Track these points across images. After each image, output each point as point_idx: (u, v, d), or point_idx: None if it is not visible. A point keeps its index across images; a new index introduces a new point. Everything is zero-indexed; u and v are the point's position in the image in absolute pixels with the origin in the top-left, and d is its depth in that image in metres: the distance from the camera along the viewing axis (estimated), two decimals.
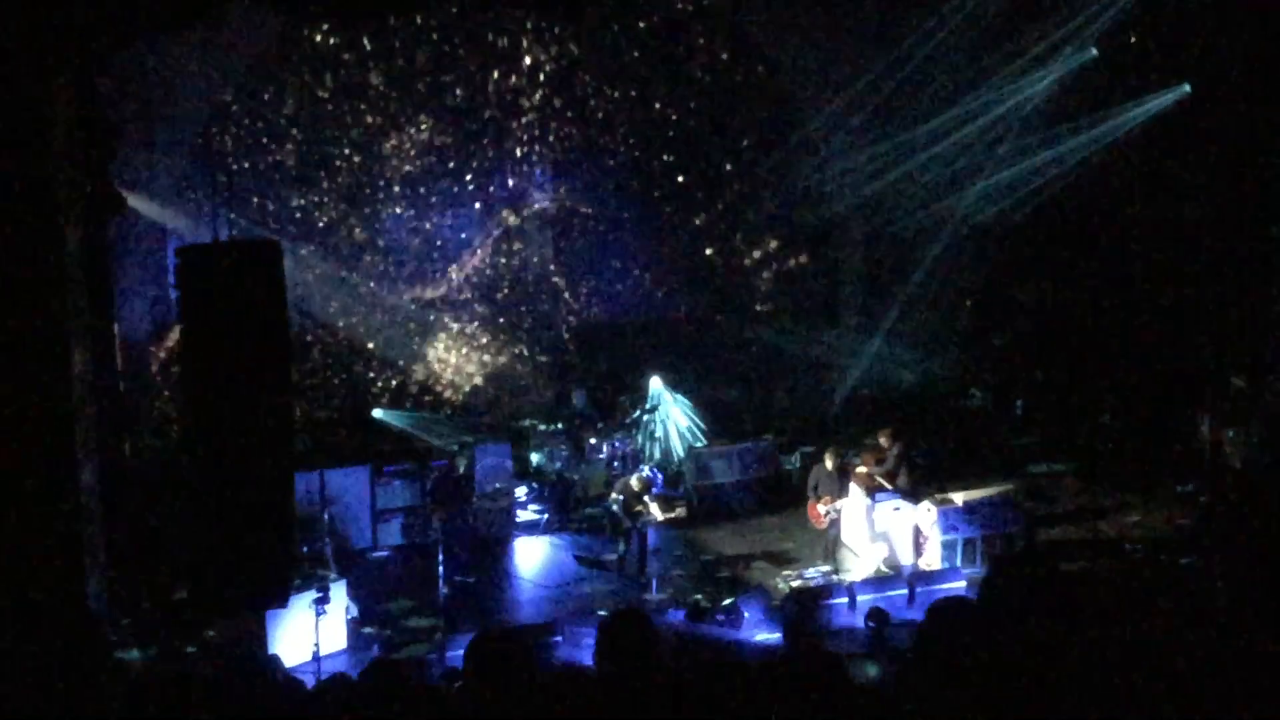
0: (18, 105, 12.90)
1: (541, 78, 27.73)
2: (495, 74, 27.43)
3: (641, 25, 27.73)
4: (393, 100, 26.97)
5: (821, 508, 21.53)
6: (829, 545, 21.68)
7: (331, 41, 26.00)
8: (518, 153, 28.34)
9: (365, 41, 26.22)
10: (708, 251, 29.98)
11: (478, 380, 28.58)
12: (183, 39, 21.71)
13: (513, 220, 28.70)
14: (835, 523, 21.63)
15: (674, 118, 28.72)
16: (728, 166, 29.25)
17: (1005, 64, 26.30)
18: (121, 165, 17.38)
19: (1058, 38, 25.65)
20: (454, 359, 28.41)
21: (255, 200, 26.13)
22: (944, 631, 5.97)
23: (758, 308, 30.08)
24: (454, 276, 28.18)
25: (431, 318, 28.14)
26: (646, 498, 21.11)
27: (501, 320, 28.73)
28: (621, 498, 21.26)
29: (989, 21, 25.74)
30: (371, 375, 27.61)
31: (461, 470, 23.92)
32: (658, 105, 28.62)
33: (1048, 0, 25.26)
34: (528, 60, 27.49)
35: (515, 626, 18.76)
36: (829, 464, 21.87)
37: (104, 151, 14.79)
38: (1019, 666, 5.71)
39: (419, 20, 25.87)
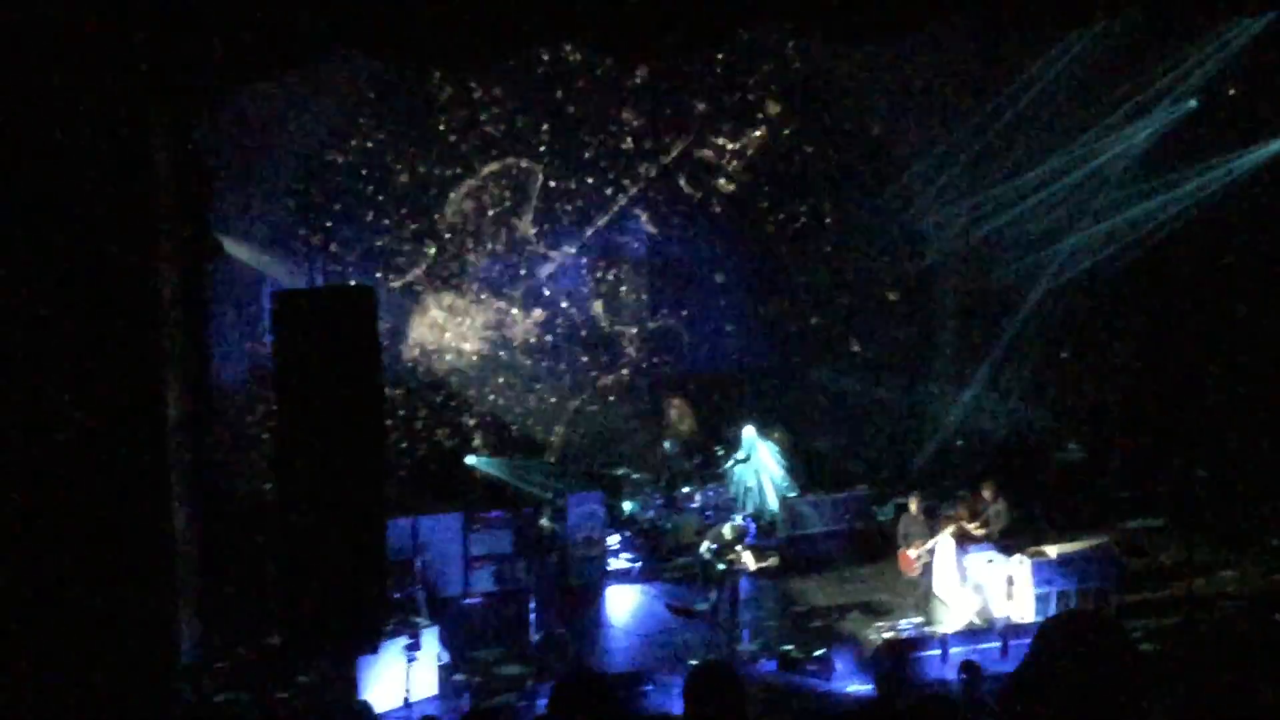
0: (118, 151, 13.03)
1: (636, 124, 27.74)
2: (596, 122, 27.45)
3: (737, 75, 27.64)
4: (489, 144, 27.00)
5: (912, 553, 21.38)
6: (922, 594, 21.50)
7: (429, 87, 26.07)
8: (616, 201, 28.34)
9: (465, 86, 26.30)
10: (803, 301, 29.84)
11: (572, 428, 28.56)
12: (280, 85, 21.86)
13: (609, 268, 28.71)
14: (928, 569, 21.42)
15: (771, 167, 28.64)
16: (824, 217, 29.12)
17: (1103, 116, 26.13)
18: (219, 210, 17.51)
19: (1157, 89, 25.47)
20: (549, 407, 28.40)
21: (351, 246, 26.23)
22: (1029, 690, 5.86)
23: (853, 356, 29.87)
24: (551, 323, 28.19)
25: (527, 364, 28.14)
26: (739, 546, 20.96)
27: (597, 368, 28.69)
28: (715, 545, 21.14)
29: (1086, 73, 25.60)
30: (466, 422, 27.60)
31: (545, 521, 23.86)
32: (754, 154, 28.54)
33: (1147, 52, 25.04)
34: (628, 111, 27.54)
35: (605, 674, 18.70)
36: (913, 508, 21.76)
37: (201, 196, 14.93)
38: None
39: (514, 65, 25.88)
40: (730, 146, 28.28)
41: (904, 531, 21.77)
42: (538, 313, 28.10)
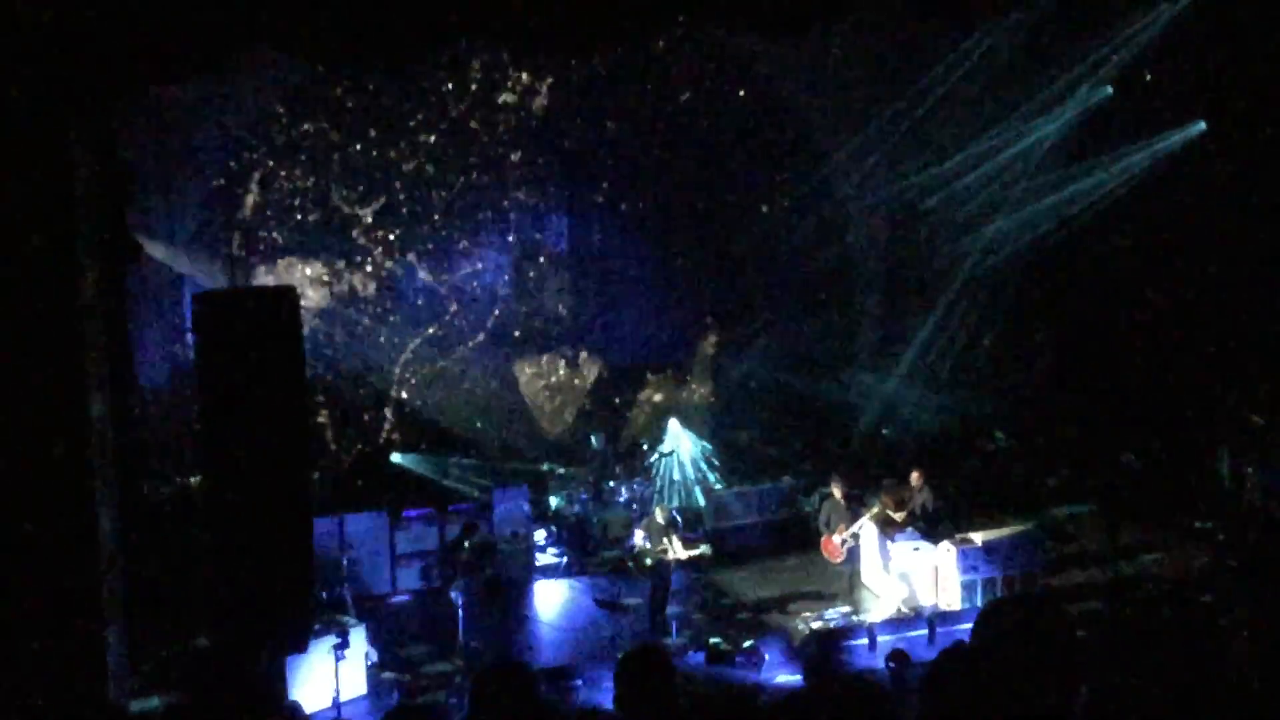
0: (36, 152, 12.96)
1: (554, 118, 27.75)
2: (507, 118, 27.42)
3: (653, 66, 27.64)
4: (407, 145, 26.94)
5: (837, 538, 21.40)
6: (848, 580, 21.58)
7: (347, 88, 25.99)
8: (530, 197, 28.36)
9: (378, 88, 26.24)
10: (723, 292, 29.93)
11: (494, 424, 28.53)
12: (200, 86, 21.74)
13: (527, 264, 28.70)
14: (852, 554, 21.52)
15: (689, 158, 28.68)
16: (743, 207, 29.18)
17: (1020, 103, 26.33)
18: (139, 212, 17.42)
19: (1072, 76, 25.68)
20: (471, 403, 28.36)
21: (272, 247, 26.13)
22: (951, 680, 5.92)
23: (773, 349, 29.94)
24: (470, 320, 28.15)
25: (447, 362, 28.09)
26: (672, 535, 20.94)
27: (518, 364, 28.68)
28: (645, 534, 21.14)
29: (1003, 61, 25.79)
30: (388, 420, 27.54)
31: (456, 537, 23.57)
32: (671, 147, 28.58)
33: (1063, 39, 25.24)
34: (538, 103, 27.51)
35: (528, 666, 18.71)
36: (836, 493, 21.77)
37: (121, 198, 14.85)
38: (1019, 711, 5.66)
39: (430, 65, 25.80)
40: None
41: (825, 517, 21.77)
42: (460, 309, 28.04)
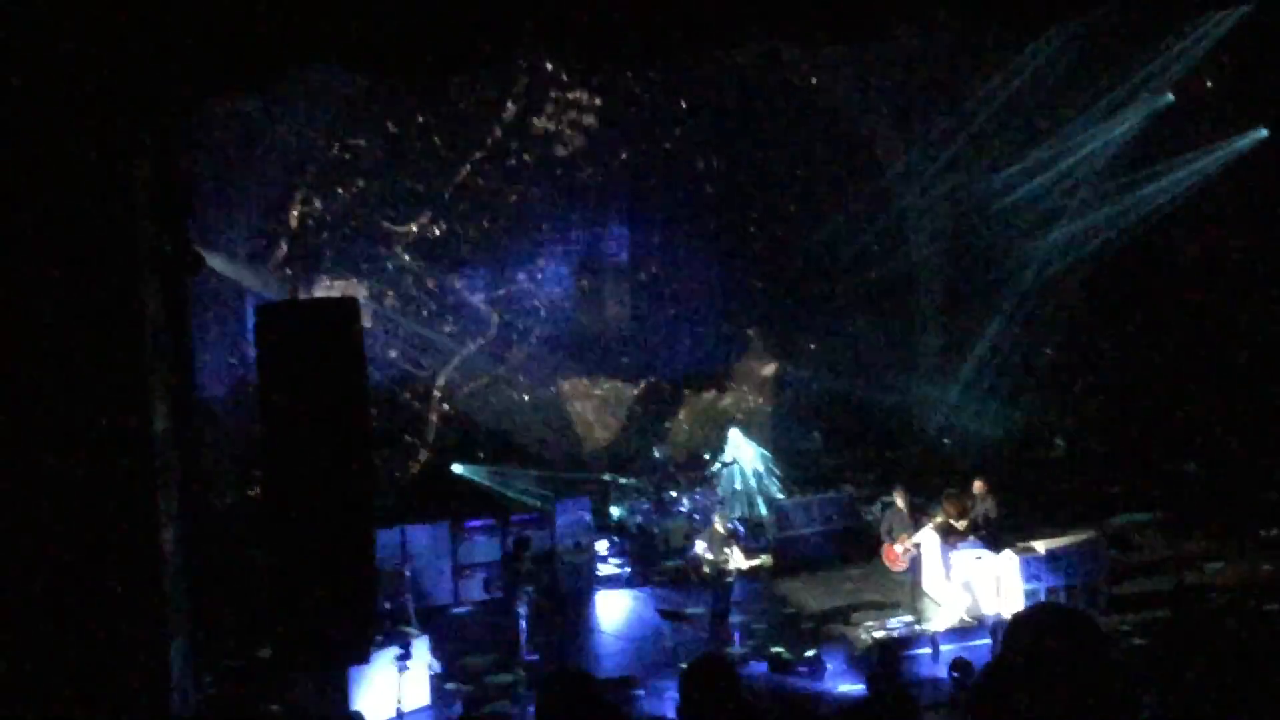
0: (97, 166, 13.00)
1: (616, 132, 27.75)
2: (571, 129, 27.43)
3: (714, 79, 27.60)
4: (467, 155, 26.97)
5: (898, 547, 21.33)
6: (909, 589, 21.47)
7: (407, 99, 26.04)
8: (593, 207, 28.40)
9: (436, 99, 26.28)
10: (783, 302, 29.87)
11: (558, 435, 28.55)
12: (258, 99, 21.82)
13: (587, 275, 28.73)
14: (914, 563, 21.42)
15: (749, 170, 28.65)
16: (804, 216, 29.10)
17: (1081, 111, 26.17)
18: (199, 224, 17.47)
19: (1133, 83, 25.52)
20: (535, 414, 28.38)
21: (333, 257, 26.22)
22: (1002, 690, 5.86)
23: (834, 358, 29.87)
24: (533, 331, 28.20)
25: (511, 372, 28.13)
26: (732, 545, 20.86)
27: (581, 375, 28.70)
28: (706, 545, 21.08)
29: (1064, 69, 25.65)
30: (451, 430, 27.57)
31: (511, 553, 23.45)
32: (732, 159, 28.56)
33: (1123, 47, 25.08)
34: (595, 116, 27.52)
35: (592, 675, 18.64)
36: (899, 502, 21.71)
37: (182, 210, 14.88)
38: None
39: (491, 78, 25.85)
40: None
41: (888, 525, 21.75)
42: (522, 320, 28.10)
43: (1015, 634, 5.85)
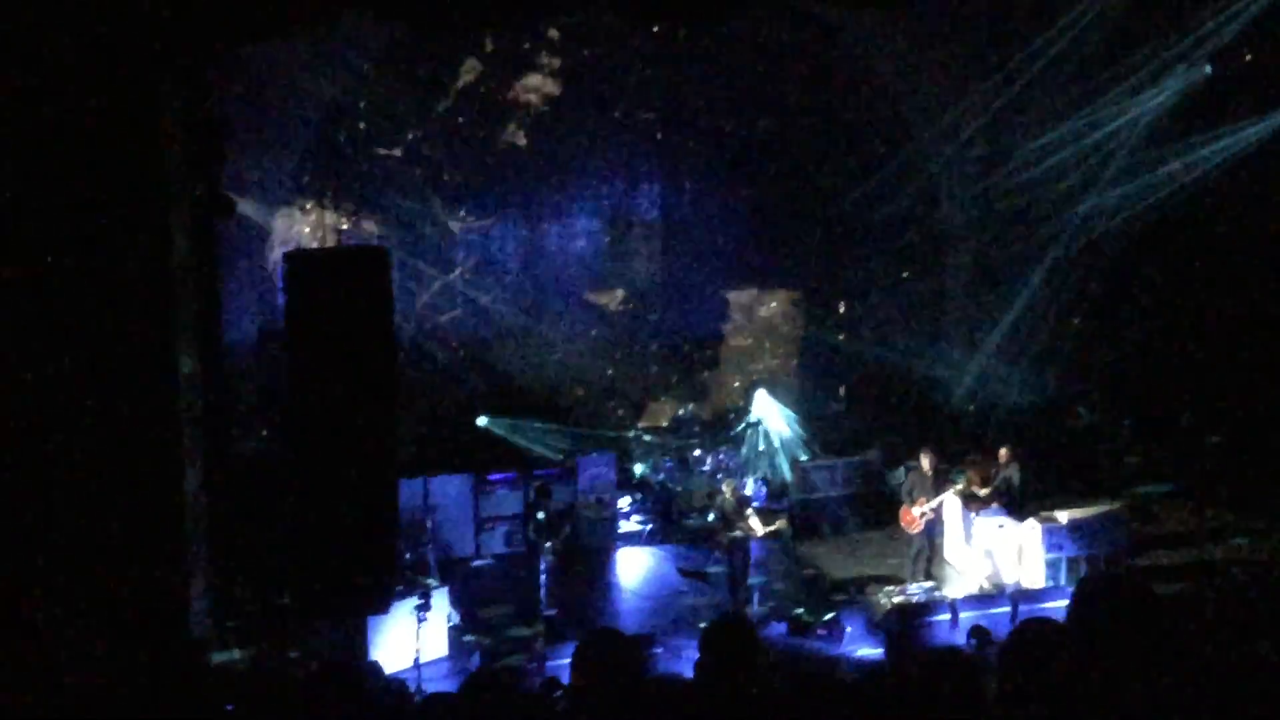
0: (128, 108, 12.99)
1: (648, 89, 27.68)
2: (599, 88, 27.39)
3: (748, 42, 27.47)
4: (504, 107, 26.97)
5: (916, 510, 21.22)
6: (920, 554, 21.34)
7: (442, 48, 26.00)
8: (625, 164, 28.34)
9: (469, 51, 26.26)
10: (814, 266, 29.80)
11: (583, 390, 28.55)
12: (294, 42, 21.77)
13: (619, 231, 28.68)
14: (930, 526, 21.34)
15: (782, 134, 28.55)
16: (835, 180, 28.98)
17: (1116, 82, 25.98)
18: (231, 169, 17.43)
19: (1171, 54, 25.30)
20: (560, 368, 28.38)
21: (365, 206, 26.21)
22: (1029, 655, 5.84)
23: (864, 323, 29.83)
24: (560, 285, 28.19)
25: (539, 326, 28.13)
26: (747, 512, 20.82)
27: (608, 331, 28.69)
28: (717, 514, 21.07)
29: (1099, 38, 25.45)
30: (477, 382, 27.57)
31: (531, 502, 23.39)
32: (765, 121, 28.47)
33: (1161, 17, 24.87)
34: (633, 70, 27.45)
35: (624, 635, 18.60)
36: (925, 465, 21.55)
37: (214, 154, 14.87)
38: (1106, 692, 5.58)
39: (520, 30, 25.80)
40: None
41: (909, 487, 21.61)
42: (551, 274, 28.11)
43: (1082, 599, 5.84)
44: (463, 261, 27.51)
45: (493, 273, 27.80)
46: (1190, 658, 5.98)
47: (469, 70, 26.51)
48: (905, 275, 29.71)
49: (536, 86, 27.08)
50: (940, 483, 21.45)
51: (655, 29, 26.04)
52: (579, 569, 22.21)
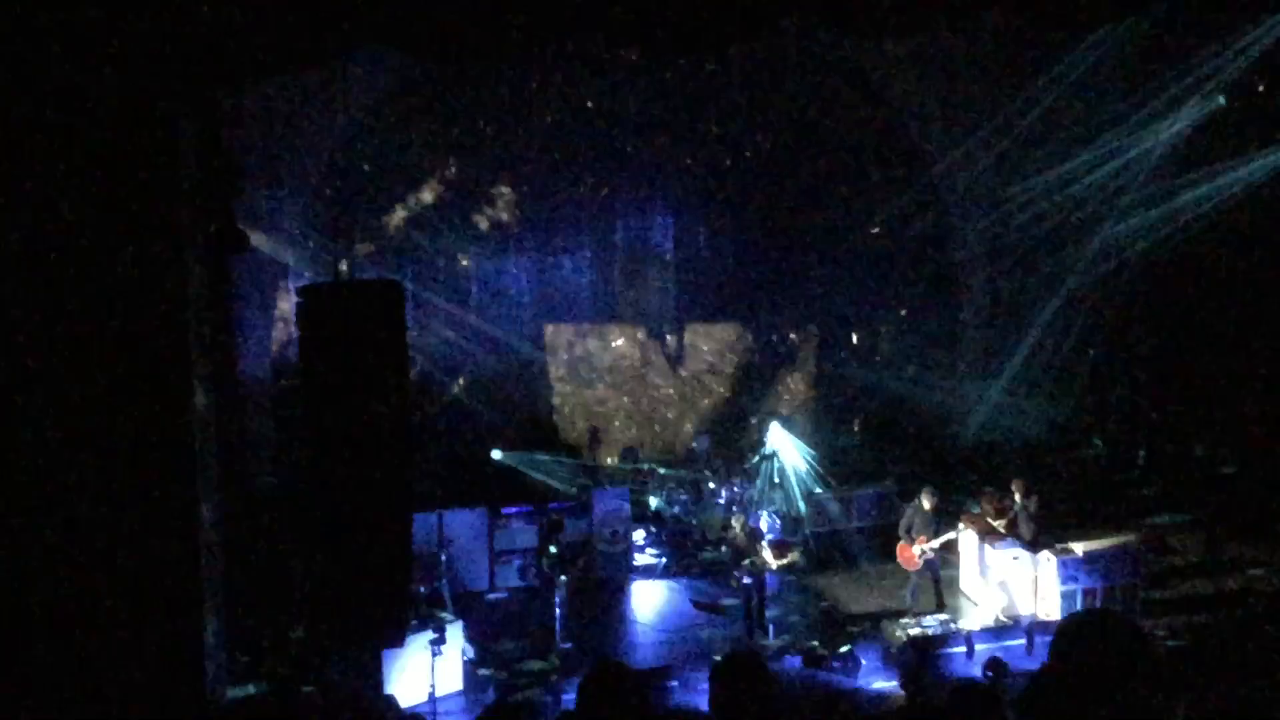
0: (144, 144, 13.03)
1: (661, 124, 27.75)
2: (613, 121, 27.44)
3: (763, 72, 27.52)
4: (513, 143, 27.02)
5: (915, 548, 21.19)
6: (917, 590, 21.29)
7: (453, 84, 26.07)
8: (638, 199, 28.42)
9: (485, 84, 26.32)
10: (829, 298, 29.83)
11: (597, 424, 28.59)
12: (306, 78, 21.85)
13: (632, 266, 28.74)
14: (930, 563, 21.29)
15: (797, 164, 28.58)
16: (850, 212, 29.03)
17: (1131, 112, 26.02)
18: (245, 203, 17.49)
19: (1184, 85, 25.34)
20: (574, 403, 28.42)
21: (378, 240, 26.28)
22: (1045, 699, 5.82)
23: (878, 355, 29.86)
24: (574, 320, 28.24)
25: (553, 362, 28.17)
26: (759, 545, 20.81)
27: (622, 364, 28.72)
28: (729, 550, 21.06)
29: (1114, 69, 25.50)
30: (491, 417, 27.60)
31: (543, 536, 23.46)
32: (780, 152, 28.51)
33: (1175, 48, 24.90)
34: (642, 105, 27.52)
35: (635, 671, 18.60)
36: (926, 504, 21.49)
37: (228, 190, 14.90)
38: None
39: (534, 63, 25.86)
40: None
41: (907, 525, 21.53)
42: (564, 309, 28.16)
43: (1062, 640, 5.81)
44: (476, 295, 27.57)
45: (506, 305, 27.85)
46: (1205, 689, 5.96)
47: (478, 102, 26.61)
48: (921, 307, 29.72)
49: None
50: (941, 524, 21.42)
51: (671, 60, 26.07)
52: (594, 602, 22.20)
